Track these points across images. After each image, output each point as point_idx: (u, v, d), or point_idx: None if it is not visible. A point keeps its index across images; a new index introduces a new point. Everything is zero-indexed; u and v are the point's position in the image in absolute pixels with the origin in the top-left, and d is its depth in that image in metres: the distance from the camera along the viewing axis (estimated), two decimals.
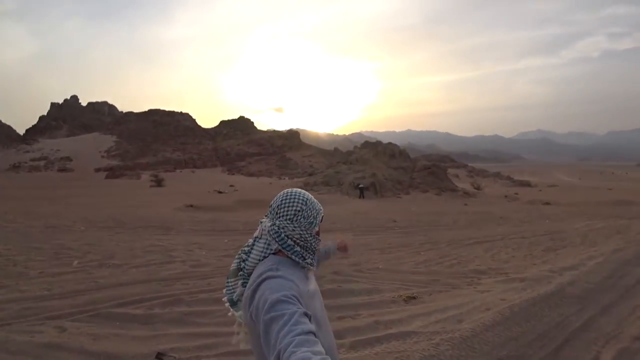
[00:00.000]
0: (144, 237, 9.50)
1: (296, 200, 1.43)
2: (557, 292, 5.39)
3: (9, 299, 4.71)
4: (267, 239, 1.42)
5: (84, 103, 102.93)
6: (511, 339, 3.93)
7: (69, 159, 59.92)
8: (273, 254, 1.41)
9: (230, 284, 1.48)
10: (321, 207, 1.51)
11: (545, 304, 4.92)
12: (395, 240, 10.39)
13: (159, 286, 5.43)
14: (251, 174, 59.62)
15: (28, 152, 64.17)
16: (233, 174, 59.46)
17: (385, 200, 27.79)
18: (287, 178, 52.15)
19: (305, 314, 1.15)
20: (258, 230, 1.45)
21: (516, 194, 37.10)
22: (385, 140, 46.12)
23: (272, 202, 1.46)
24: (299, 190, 1.48)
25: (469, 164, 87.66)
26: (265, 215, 1.47)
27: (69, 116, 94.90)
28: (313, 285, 1.45)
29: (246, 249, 1.46)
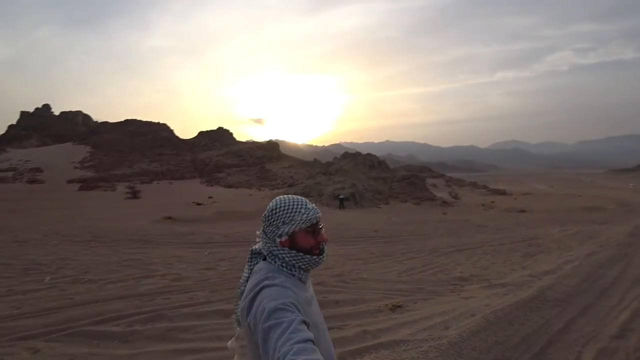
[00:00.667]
0: (120, 251, 9.18)
1: (270, 208, 1.38)
2: (538, 296, 5.52)
3: None
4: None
5: (56, 112, 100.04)
6: (497, 343, 3.99)
7: (39, 170, 57.60)
8: (264, 259, 1.40)
9: (239, 305, 1.40)
10: (303, 215, 1.34)
11: (527, 308, 5.03)
12: (377, 249, 10.42)
13: (139, 301, 5.23)
14: (230, 186, 58.86)
15: None
16: (212, 186, 58.57)
17: (366, 210, 27.93)
18: (267, 189, 51.75)
19: (304, 322, 1.13)
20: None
21: (493, 202, 38.04)
22: (364, 151, 46.61)
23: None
24: (282, 197, 1.41)
25: (447, 174, 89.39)
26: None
27: (40, 125, 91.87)
28: (310, 290, 1.42)
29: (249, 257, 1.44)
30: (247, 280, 1.37)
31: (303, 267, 1.36)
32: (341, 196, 29.33)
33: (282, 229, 1.34)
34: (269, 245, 1.36)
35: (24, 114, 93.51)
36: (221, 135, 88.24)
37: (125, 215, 19.65)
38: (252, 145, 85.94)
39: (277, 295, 1.20)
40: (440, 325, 4.46)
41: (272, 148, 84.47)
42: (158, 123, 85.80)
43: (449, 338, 3.94)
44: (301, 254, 1.34)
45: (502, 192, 57.90)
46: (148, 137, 77.81)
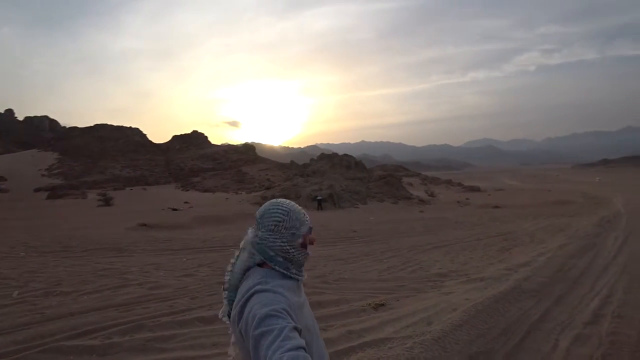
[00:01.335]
0: (94, 261, 8.84)
1: (278, 210, 1.38)
2: (515, 288, 5.70)
3: None
4: (250, 250, 1.39)
5: (20, 117, 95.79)
6: (479, 336, 4.09)
7: (2, 178, 54.87)
8: (259, 265, 1.37)
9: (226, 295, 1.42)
10: (308, 218, 1.43)
11: (505, 300, 5.18)
12: (357, 249, 10.48)
13: (116, 312, 5.05)
14: (206, 190, 57.93)
15: None
16: (187, 190, 57.48)
17: (344, 211, 28.06)
18: (244, 193, 51.21)
19: (296, 328, 1.12)
20: (243, 241, 1.40)
21: (468, 199, 39.04)
22: (340, 152, 46.83)
23: (257, 212, 1.42)
24: (284, 200, 1.43)
25: (422, 173, 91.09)
26: (251, 226, 1.42)
27: (3, 131, 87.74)
28: (302, 294, 1.41)
29: (232, 260, 1.40)
30: (233, 265, 1.39)
31: (304, 262, 1.43)
32: (319, 197, 29.35)
33: (301, 230, 1.39)
34: (282, 246, 1.36)
35: None
36: (196, 139, 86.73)
37: (97, 224, 18.97)
38: (228, 149, 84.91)
39: (268, 301, 1.18)
40: (423, 321, 4.52)
41: (248, 151, 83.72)
42: (130, 127, 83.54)
43: (433, 333, 4.00)
44: (304, 250, 1.42)
45: (477, 189, 59.54)
46: (120, 142, 75.62)
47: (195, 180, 65.58)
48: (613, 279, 6.77)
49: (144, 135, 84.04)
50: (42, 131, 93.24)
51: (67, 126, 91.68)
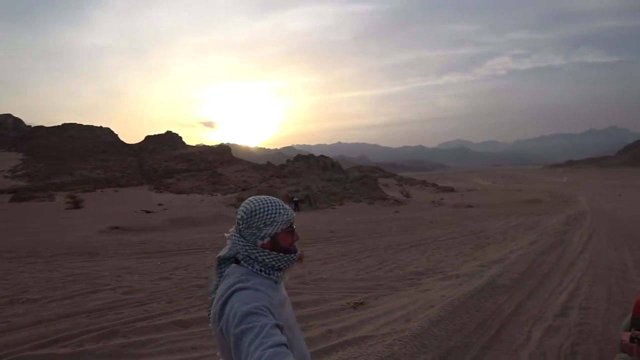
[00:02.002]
0: (63, 266, 8.49)
1: (242, 208, 1.33)
2: (489, 284, 5.89)
3: None
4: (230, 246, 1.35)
5: None
6: (456, 331, 4.20)
7: None
8: (236, 263, 1.32)
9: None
10: (283, 218, 1.31)
11: (480, 296, 5.35)
12: (334, 250, 10.53)
13: (88, 319, 4.85)
14: (181, 191, 56.79)
15: None
16: (161, 192, 56.18)
17: (321, 211, 28.13)
18: (219, 194, 50.50)
19: (277, 325, 1.11)
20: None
21: (442, 199, 39.93)
22: (317, 153, 46.92)
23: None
24: (258, 197, 1.36)
25: (397, 174, 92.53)
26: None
27: None
28: (283, 292, 1.39)
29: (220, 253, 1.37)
30: (217, 287, 1.30)
31: (282, 267, 1.32)
32: (296, 199, 29.29)
33: (264, 231, 1.29)
34: (246, 248, 1.29)
35: None
36: (170, 139, 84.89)
37: (66, 227, 18.24)
38: (203, 149, 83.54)
39: (249, 299, 1.16)
40: (402, 318, 4.59)
41: (223, 152, 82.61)
42: (100, 127, 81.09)
43: (411, 330, 4.06)
44: (281, 254, 1.30)
45: (450, 189, 61.01)
46: (89, 142, 73.17)
47: (169, 182, 64.17)
48: (580, 273, 7.10)
49: (115, 136, 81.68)
50: (5, 130, 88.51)
51: (33, 125, 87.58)
